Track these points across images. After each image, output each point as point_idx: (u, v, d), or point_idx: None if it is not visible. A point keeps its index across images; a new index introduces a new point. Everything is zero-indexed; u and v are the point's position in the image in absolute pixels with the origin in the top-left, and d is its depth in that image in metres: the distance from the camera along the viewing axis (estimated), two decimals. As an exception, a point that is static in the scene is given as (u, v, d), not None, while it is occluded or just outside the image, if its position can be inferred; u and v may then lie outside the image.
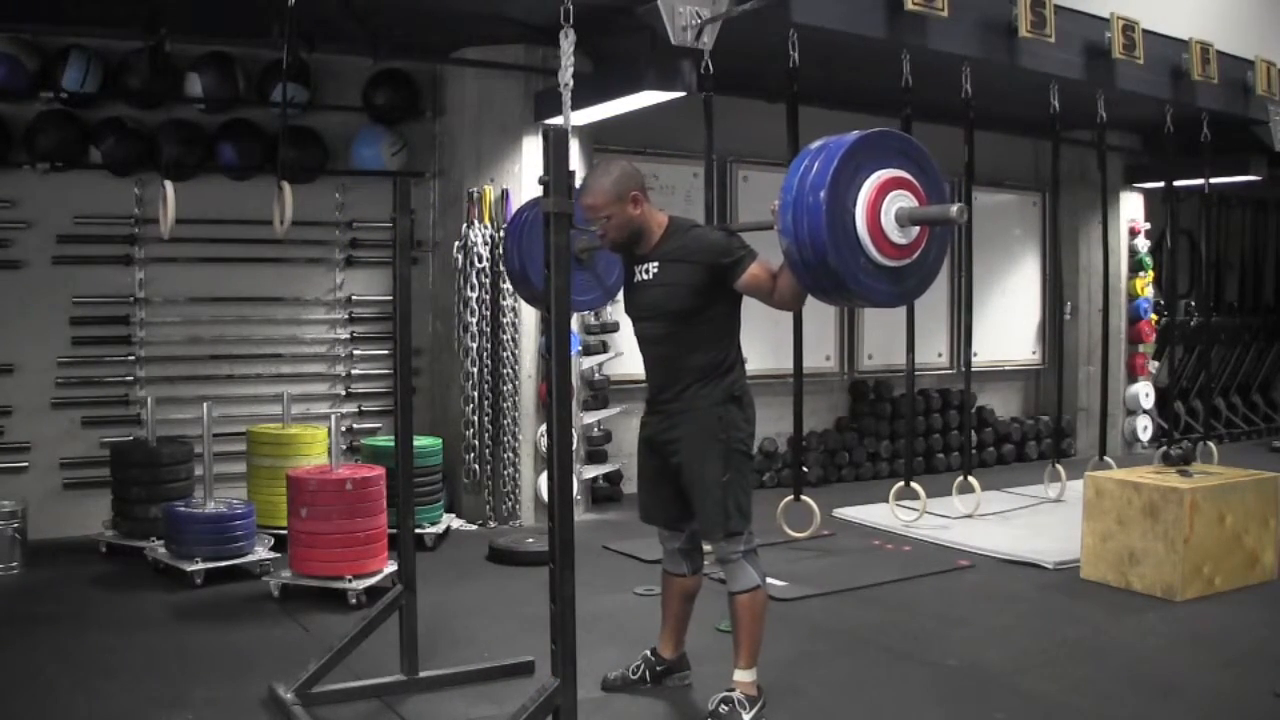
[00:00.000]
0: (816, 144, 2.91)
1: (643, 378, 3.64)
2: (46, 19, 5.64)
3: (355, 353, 6.72)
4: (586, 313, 6.49)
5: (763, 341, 7.78)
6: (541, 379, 6.44)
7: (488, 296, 6.31)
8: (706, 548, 3.68)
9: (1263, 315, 11.05)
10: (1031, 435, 9.22)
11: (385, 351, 6.61)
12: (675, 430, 3.49)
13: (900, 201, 2.87)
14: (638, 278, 3.53)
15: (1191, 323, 9.68)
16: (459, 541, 6.06)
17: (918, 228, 2.90)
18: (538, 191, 2.74)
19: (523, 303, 6.37)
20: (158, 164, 5.86)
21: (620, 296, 3.75)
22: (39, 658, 4.04)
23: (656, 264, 3.46)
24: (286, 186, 4.80)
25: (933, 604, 4.99)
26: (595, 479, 7.01)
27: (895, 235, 2.87)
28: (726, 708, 3.39)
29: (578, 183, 3.75)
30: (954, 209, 2.82)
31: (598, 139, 6.77)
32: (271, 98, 6.09)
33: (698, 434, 3.45)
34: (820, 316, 7.94)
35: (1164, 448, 5.68)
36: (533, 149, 6.42)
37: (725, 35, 5.13)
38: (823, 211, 2.76)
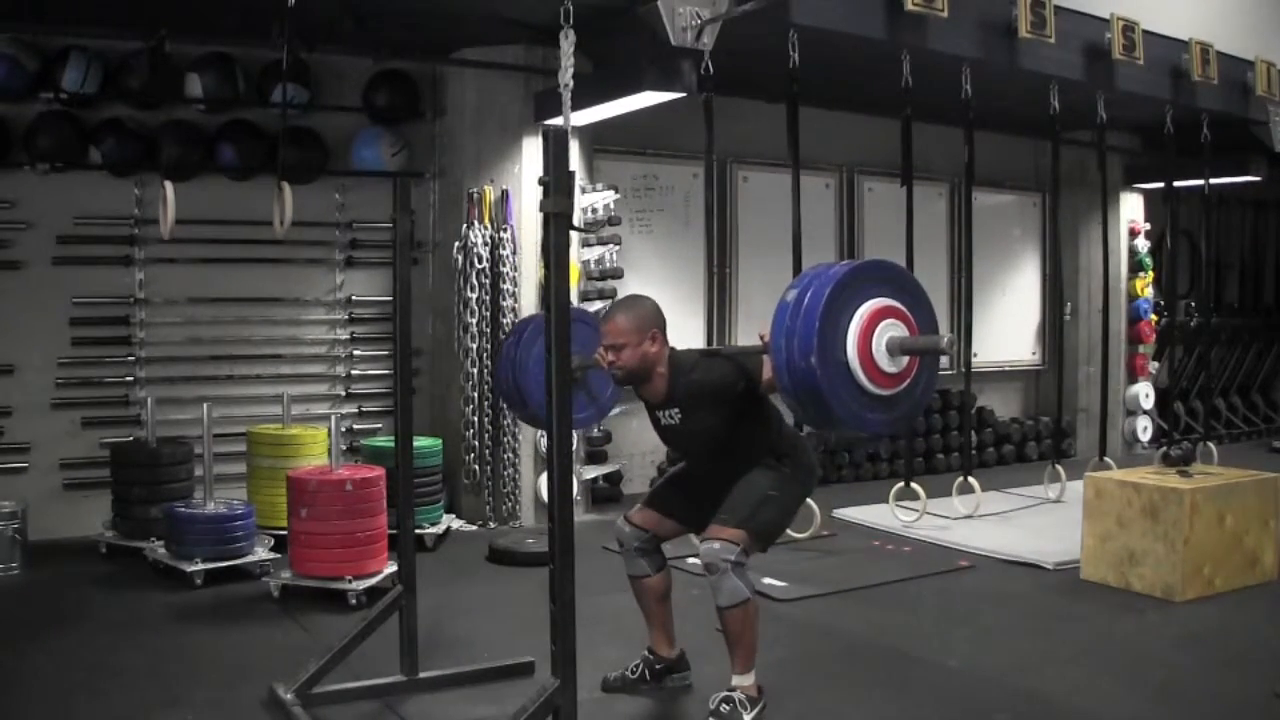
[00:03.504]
0: (793, 292, 2.80)
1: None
2: (46, 19, 5.63)
3: (355, 353, 6.72)
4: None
5: (763, 342, 7.85)
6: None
7: (488, 297, 6.31)
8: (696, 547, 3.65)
9: (1263, 315, 11.04)
10: (1031, 436, 9.21)
11: (385, 352, 6.61)
12: (726, 478, 3.50)
13: (891, 331, 2.81)
14: (664, 421, 3.61)
15: (1191, 323, 9.68)
16: (459, 542, 6.05)
17: (908, 356, 2.85)
18: (537, 192, 2.74)
19: (522, 304, 6.39)
20: (158, 164, 5.86)
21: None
22: (39, 658, 4.03)
23: (677, 409, 3.54)
24: (286, 187, 4.80)
25: (933, 604, 4.99)
26: (595, 479, 7.00)
27: (886, 365, 2.80)
28: (728, 707, 3.39)
29: (577, 183, 3.76)
30: (944, 340, 2.82)
31: (598, 139, 6.77)
32: (271, 98, 6.08)
33: (752, 466, 3.49)
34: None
35: (1164, 448, 5.68)
36: (533, 149, 6.41)
37: (725, 36, 5.13)
38: (816, 376, 2.70)
